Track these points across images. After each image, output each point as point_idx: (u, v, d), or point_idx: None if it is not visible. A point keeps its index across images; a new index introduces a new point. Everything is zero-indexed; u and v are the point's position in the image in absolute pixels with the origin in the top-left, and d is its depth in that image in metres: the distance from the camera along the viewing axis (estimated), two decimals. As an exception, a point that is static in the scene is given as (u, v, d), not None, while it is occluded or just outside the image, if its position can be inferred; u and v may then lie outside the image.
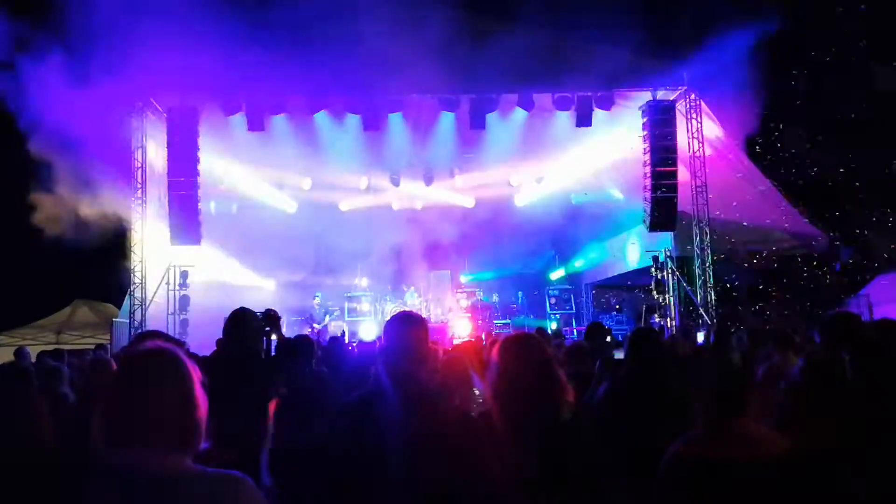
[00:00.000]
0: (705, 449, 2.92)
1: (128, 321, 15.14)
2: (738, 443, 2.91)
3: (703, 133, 15.84)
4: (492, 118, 15.75)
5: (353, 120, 15.68)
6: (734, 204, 15.98)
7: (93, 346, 12.38)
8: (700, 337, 11.41)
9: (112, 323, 15.83)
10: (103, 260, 15.83)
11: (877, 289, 16.46)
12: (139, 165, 15.32)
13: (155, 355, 2.00)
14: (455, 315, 20.04)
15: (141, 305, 15.12)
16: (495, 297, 21.76)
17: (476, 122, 15.51)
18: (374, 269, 21.68)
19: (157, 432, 1.90)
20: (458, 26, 13.34)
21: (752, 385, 3.49)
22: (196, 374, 2.02)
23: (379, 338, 3.06)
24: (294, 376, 5.30)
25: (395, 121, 16.07)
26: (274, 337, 5.14)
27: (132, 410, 1.90)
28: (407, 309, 19.43)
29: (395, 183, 19.67)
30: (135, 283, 15.19)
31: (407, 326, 2.96)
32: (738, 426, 2.97)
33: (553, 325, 19.65)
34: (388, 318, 3.09)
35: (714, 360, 3.29)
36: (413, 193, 20.84)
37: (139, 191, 15.27)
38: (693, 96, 15.85)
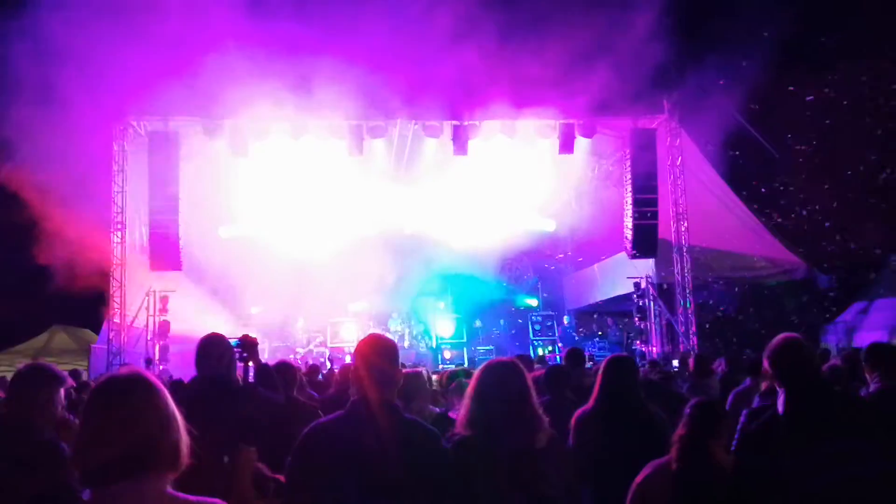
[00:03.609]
0: (677, 472, 2.94)
1: (106, 347, 14.97)
2: (709, 467, 2.93)
3: (683, 160, 15.99)
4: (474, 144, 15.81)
5: (337, 145, 15.68)
6: (714, 231, 16.11)
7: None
8: (676, 363, 11.47)
9: (90, 349, 15.65)
10: (81, 285, 15.67)
11: (854, 315, 16.62)
12: (119, 189, 15.24)
13: (126, 380, 1.98)
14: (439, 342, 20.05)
15: (119, 331, 14.97)
16: (478, 324, 21.73)
17: (459, 149, 15.58)
18: (358, 295, 21.59)
19: (134, 459, 1.86)
20: (444, 53, 13.44)
21: (725, 412, 3.52)
22: (169, 396, 1.99)
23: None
24: (271, 403, 5.26)
25: (379, 146, 16.10)
26: (251, 363, 5.09)
27: (106, 439, 1.86)
28: (390, 335, 19.41)
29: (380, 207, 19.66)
30: (114, 309, 15.04)
31: (375, 348, 2.95)
32: (710, 451, 3.00)
33: (540, 351, 19.66)
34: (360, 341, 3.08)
35: (692, 386, 3.34)
36: (396, 220, 20.82)
37: (119, 214, 15.18)
38: (674, 124, 16.02)
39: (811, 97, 16.20)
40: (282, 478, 3.07)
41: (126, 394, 1.94)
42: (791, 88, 16.09)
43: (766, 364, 3.16)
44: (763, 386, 4.23)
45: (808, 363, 3.13)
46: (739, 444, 3.30)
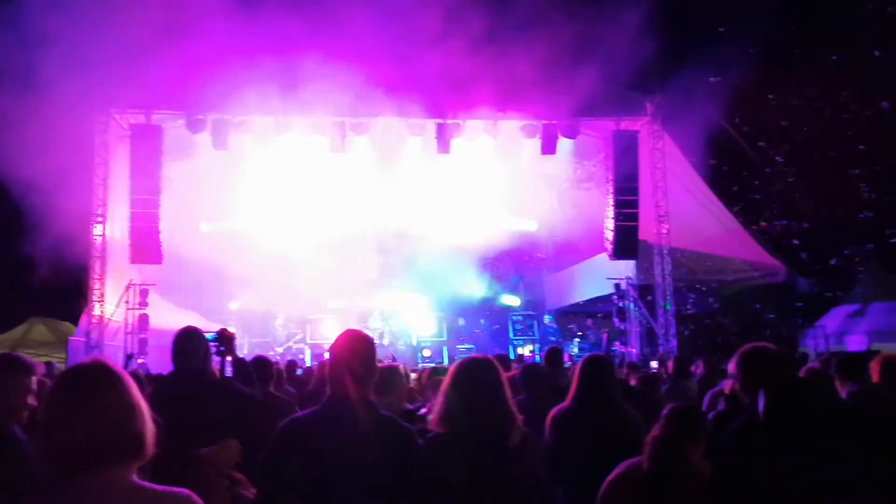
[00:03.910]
0: (648, 474, 2.96)
1: (85, 340, 14.85)
2: (682, 471, 2.95)
3: (665, 163, 16.07)
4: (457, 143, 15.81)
5: (320, 141, 15.63)
6: (695, 233, 16.21)
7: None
8: (655, 364, 11.53)
9: (68, 341, 15.53)
10: (61, 277, 15.54)
11: (833, 320, 16.78)
12: (101, 182, 15.12)
13: (90, 370, 1.97)
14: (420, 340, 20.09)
15: (98, 324, 14.85)
16: (461, 322, 21.75)
17: (442, 147, 15.56)
18: (338, 293, 21.55)
19: (100, 448, 1.85)
20: (428, 51, 13.44)
21: (704, 417, 3.54)
22: (134, 385, 1.98)
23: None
24: (247, 398, 5.24)
25: (362, 143, 16.06)
26: (229, 358, 5.07)
27: (69, 429, 1.85)
28: (370, 332, 19.40)
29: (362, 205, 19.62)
30: (93, 302, 14.92)
31: (351, 344, 2.95)
32: (685, 455, 3.02)
33: (520, 351, 19.72)
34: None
35: (670, 388, 3.37)
36: (379, 217, 20.80)
37: (100, 207, 15.06)
38: (657, 126, 16.10)
39: (794, 102, 16.38)
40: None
41: (89, 384, 1.92)
42: (770, 96, 16.24)
43: (733, 369, 3.21)
44: (727, 388, 4.25)
45: (778, 369, 3.17)
46: (718, 447, 3.33)
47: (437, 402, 3.17)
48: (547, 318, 22.01)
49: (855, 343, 15.60)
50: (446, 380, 3.21)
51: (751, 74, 15.36)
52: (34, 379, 3.21)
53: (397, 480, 2.72)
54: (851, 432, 3.01)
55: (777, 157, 16.67)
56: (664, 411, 3.25)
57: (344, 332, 3.07)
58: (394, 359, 16.74)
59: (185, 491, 1.98)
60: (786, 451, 2.83)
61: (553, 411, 4.31)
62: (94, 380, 1.93)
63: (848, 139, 16.56)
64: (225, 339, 4.71)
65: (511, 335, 21.28)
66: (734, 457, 3.06)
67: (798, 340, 16.42)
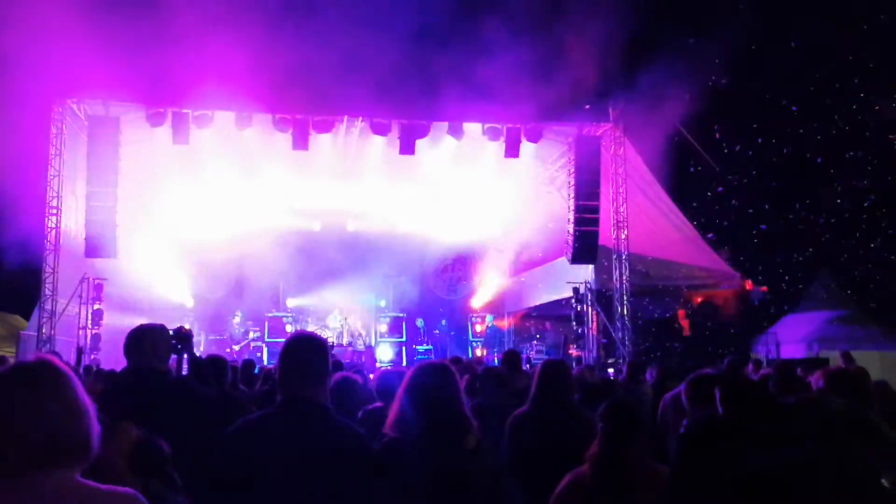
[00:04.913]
0: (596, 477, 3.00)
1: (36, 335, 14.54)
2: (624, 479, 3.01)
3: (626, 169, 16.26)
4: (421, 145, 15.81)
5: (281, 137, 15.49)
6: (653, 240, 16.43)
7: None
8: (611, 371, 11.66)
9: (19, 336, 15.19)
10: (13, 270, 15.18)
11: (784, 327, 17.15)
12: (56, 174, 14.81)
13: (32, 368, 1.91)
14: (378, 340, 20.08)
15: (50, 318, 14.55)
16: (419, 323, 21.77)
17: (406, 148, 15.55)
18: (296, 290, 21.45)
19: (42, 451, 1.80)
20: (394, 52, 13.43)
21: (646, 420, 3.62)
22: (79, 385, 1.92)
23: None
24: (203, 396, 5.18)
25: (325, 141, 15.97)
26: (185, 356, 5.02)
27: (10, 429, 1.80)
28: (328, 332, 19.33)
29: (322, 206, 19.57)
30: (45, 295, 14.61)
31: (301, 346, 2.93)
32: (632, 457, 3.07)
33: (478, 352, 19.82)
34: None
35: (625, 392, 3.46)
36: (339, 216, 20.79)
37: (55, 199, 14.76)
38: (618, 133, 16.28)
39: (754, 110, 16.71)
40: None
41: (32, 383, 1.86)
42: (730, 104, 16.54)
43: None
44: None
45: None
46: (681, 445, 3.46)
47: (393, 406, 3.17)
48: (419, 322, 21.86)
49: (802, 350, 16.00)
50: (402, 384, 3.22)
51: (713, 82, 15.62)
52: None
53: (348, 487, 2.70)
54: (802, 421, 3.22)
55: (736, 165, 16.96)
56: (599, 423, 3.26)
57: (295, 333, 3.07)
58: (352, 359, 16.74)
59: (130, 490, 1.95)
60: (744, 443, 2.95)
61: (513, 414, 4.34)
62: (36, 380, 1.87)
63: (809, 147, 16.96)
64: (182, 338, 4.66)
65: (470, 337, 21.40)
66: (696, 450, 3.18)
67: (751, 346, 16.76)
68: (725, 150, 16.84)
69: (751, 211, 17.53)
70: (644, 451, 3.19)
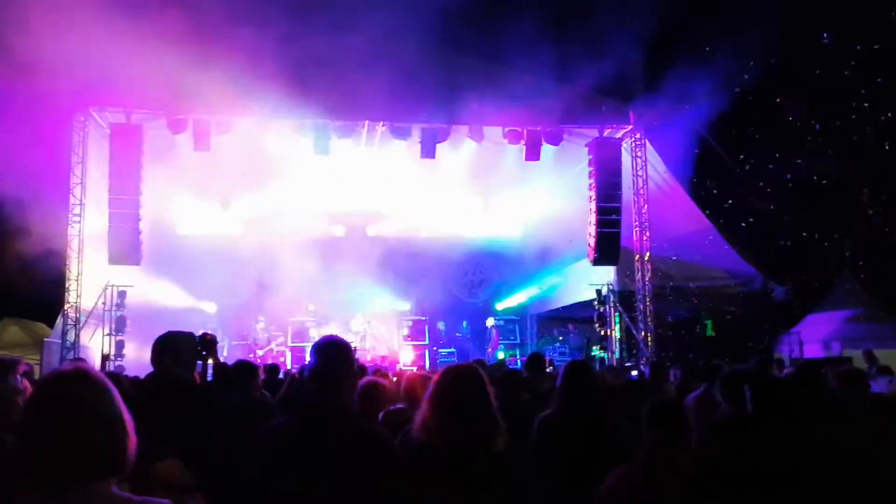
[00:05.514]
0: (640, 480, 2.98)
1: (60, 342, 14.67)
2: (671, 473, 2.97)
3: (647, 171, 16.20)
4: (442, 148, 15.81)
5: (302, 143, 15.55)
6: (675, 241, 16.34)
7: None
8: (635, 372, 11.60)
9: (43, 343, 15.32)
10: (37, 277, 15.32)
11: (807, 327, 16.97)
12: (78, 181, 14.96)
13: (73, 378, 1.88)
14: (401, 344, 20.10)
15: (75, 325, 14.69)
16: (441, 326, 21.77)
17: (427, 152, 15.56)
18: (320, 295, 21.48)
19: (82, 463, 1.79)
20: (414, 56, 13.44)
21: (685, 419, 3.59)
22: (117, 395, 1.92)
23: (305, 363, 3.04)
24: (231, 403, 5.21)
25: (346, 146, 16.01)
26: (210, 362, 5.03)
27: (52, 439, 1.78)
28: (351, 336, 19.36)
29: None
30: (69, 303, 14.75)
31: (329, 351, 2.93)
32: (673, 456, 3.04)
33: (500, 355, 19.76)
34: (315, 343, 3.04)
35: (652, 393, 3.46)
36: (361, 220, 20.84)
37: (78, 206, 14.90)
38: (639, 135, 16.23)
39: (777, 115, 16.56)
40: None
41: (70, 394, 1.84)
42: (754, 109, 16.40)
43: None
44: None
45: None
46: (708, 440, 3.50)
47: (422, 408, 3.16)
48: (528, 323, 22.01)
49: (826, 350, 15.82)
50: (431, 386, 3.20)
51: (737, 84, 15.48)
52: (18, 377, 3.13)
53: (372, 493, 2.68)
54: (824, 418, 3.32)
55: (757, 167, 16.80)
56: (644, 410, 3.31)
57: (322, 338, 3.06)
58: (375, 363, 16.75)
59: (166, 501, 1.95)
60: (769, 438, 2.96)
61: (540, 417, 4.31)
62: (78, 391, 1.85)
63: (828, 153, 16.77)
64: (206, 343, 4.69)
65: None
66: (724, 445, 3.21)
67: (774, 346, 16.60)
68: (744, 156, 16.69)
69: (772, 211, 17.35)
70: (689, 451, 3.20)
